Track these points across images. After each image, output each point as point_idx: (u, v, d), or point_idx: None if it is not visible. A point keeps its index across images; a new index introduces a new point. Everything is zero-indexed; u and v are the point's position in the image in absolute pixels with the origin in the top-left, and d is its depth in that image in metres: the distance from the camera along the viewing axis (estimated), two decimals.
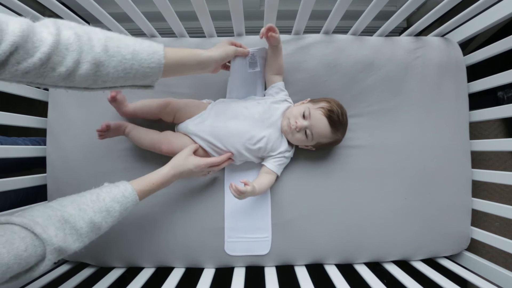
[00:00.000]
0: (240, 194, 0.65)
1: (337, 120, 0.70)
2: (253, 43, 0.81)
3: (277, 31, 0.69)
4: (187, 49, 0.60)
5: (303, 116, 0.70)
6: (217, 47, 0.66)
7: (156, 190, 0.64)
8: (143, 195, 0.61)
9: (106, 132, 0.74)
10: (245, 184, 0.65)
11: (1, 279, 0.40)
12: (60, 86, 0.47)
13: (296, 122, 0.70)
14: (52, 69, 0.43)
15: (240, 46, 0.71)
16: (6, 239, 0.40)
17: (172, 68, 0.56)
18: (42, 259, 0.45)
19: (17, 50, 0.39)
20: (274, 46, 0.72)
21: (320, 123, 0.70)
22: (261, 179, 0.73)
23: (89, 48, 0.45)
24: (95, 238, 0.54)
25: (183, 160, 0.68)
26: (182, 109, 0.75)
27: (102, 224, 0.52)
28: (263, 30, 0.68)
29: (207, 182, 0.81)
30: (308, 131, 0.70)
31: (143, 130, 0.76)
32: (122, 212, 0.56)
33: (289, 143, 0.76)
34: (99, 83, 0.49)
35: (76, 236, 0.49)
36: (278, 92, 0.77)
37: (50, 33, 0.42)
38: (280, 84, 0.77)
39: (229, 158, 0.74)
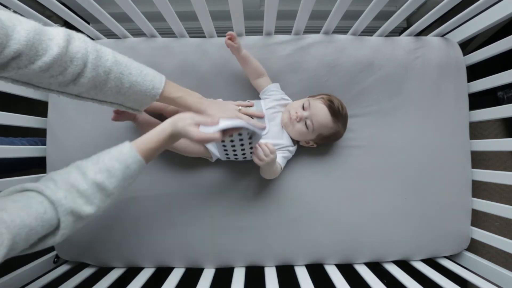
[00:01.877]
0: (269, 155, 0.63)
1: (337, 110, 0.70)
2: (253, 43, 0.81)
3: (236, 40, 0.69)
4: (184, 91, 0.64)
5: (303, 108, 0.71)
6: (214, 104, 0.68)
7: (158, 147, 0.58)
8: (146, 152, 0.57)
9: (120, 115, 0.71)
10: (268, 146, 0.64)
11: (26, 240, 0.41)
12: (52, 90, 0.49)
13: (296, 113, 0.70)
14: (50, 76, 0.44)
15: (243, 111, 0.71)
16: (23, 203, 0.42)
17: (164, 101, 0.62)
18: (59, 222, 0.46)
19: (20, 56, 0.40)
20: (237, 54, 0.72)
21: (321, 111, 0.70)
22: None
23: (93, 67, 0.48)
24: (110, 203, 0.53)
25: (184, 122, 0.59)
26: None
27: (106, 185, 0.51)
28: (225, 39, 0.69)
29: (207, 182, 0.81)
30: (308, 121, 0.69)
31: (153, 121, 0.75)
32: (126, 171, 0.53)
33: (291, 140, 0.76)
34: (92, 94, 0.52)
35: (84, 199, 0.48)
36: (272, 95, 0.77)
37: (57, 44, 0.43)
38: (272, 86, 0.77)
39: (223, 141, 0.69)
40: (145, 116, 0.74)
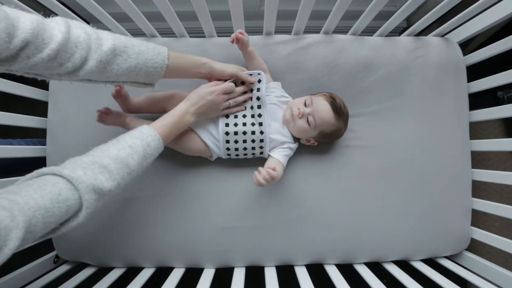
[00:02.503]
0: (269, 180, 0.63)
1: (340, 107, 0.70)
2: (253, 43, 0.80)
3: (246, 34, 0.69)
4: (190, 55, 0.65)
5: (305, 105, 0.71)
6: (221, 63, 0.69)
7: (176, 127, 0.63)
8: (164, 131, 0.60)
9: (105, 115, 0.73)
10: (273, 169, 0.64)
11: (45, 223, 0.41)
12: (64, 79, 0.50)
13: (298, 109, 0.69)
14: (59, 64, 0.46)
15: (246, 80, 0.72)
16: (37, 186, 0.42)
17: (173, 70, 0.61)
18: (81, 203, 0.46)
19: (28, 45, 0.41)
20: (245, 50, 0.72)
21: (323, 108, 0.70)
22: (276, 167, 0.70)
23: (97, 47, 0.49)
24: (129, 180, 0.54)
25: (196, 90, 0.67)
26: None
27: (129, 160, 0.52)
28: (233, 35, 0.69)
29: (207, 182, 0.81)
30: (310, 118, 0.69)
31: (144, 122, 0.74)
32: (146, 148, 0.56)
33: (292, 136, 0.76)
34: (103, 77, 0.53)
35: (107, 173, 0.49)
36: (273, 92, 0.77)
37: (60, 30, 0.45)
38: (273, 83, 0.77)
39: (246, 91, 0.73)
40: (135, 123, 0.73)
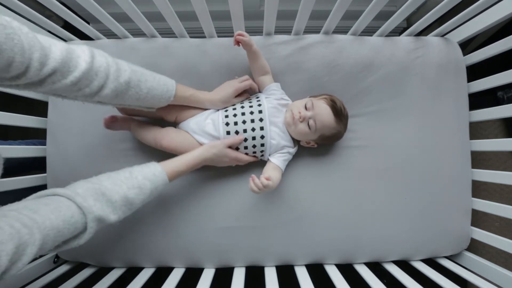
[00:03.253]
0: (262, 189, 0.64)
1: (340, 110, 0.70)
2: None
3: (245, 34, 0.69)
4: (193, 90, 0.72)
5: (306, 108, 0.70)
6: (220, 90, 0.75)
7: (186, 170, 0.67)
8: (173, 175, 0.64)
9: (111, 122, 0.75)
10: (267, 179, 0.64)
11: (53, 241, 0.45)
12: (79, 100, 0.55)
13: (299, 113, 0.69)
14: (78, 89, 0.50)
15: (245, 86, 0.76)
16: (54, 207, 0.46)
17: (178, 101, 0.69)
18: (85, 228, 0.50)
19: (55, 73, 0.45)
20: (249, 49, 0.72)
21: (324, 112, 0.69)
22: (274, 174, 0.71)
23: (115, 78, 0.53)
24: (128, 214, 0.58)
25: (216, 149, 0.70)
26: (185, 107, 0.74)
27: (134, 200, 0.57)
28: (234, 38, 0.70)
29: (207, 182, 0.81)
30: (311, 122, 0.69)
31: (147, 126, 0.76)
32: (153, 191, 0.60)
33: (292, 139, 0.76)
34: (113, 102, 0.58)
35: (112, 208, 0.53)
36: (273, 94, 0.77)
37: (85, 60, 0.49)
38: (274, 85, 0.77)
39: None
40: (140, 128, 0.76)
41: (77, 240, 0.50)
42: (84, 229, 0.50)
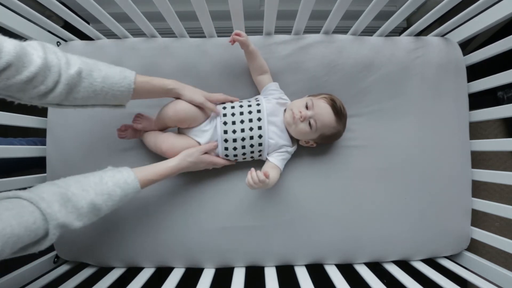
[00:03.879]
0: (258, 183, 0.63)
1: (340, 109, 0.70)
2: (253, 43, 0.80)
3: (243, 34, 0.70)
4: (158, 79, 0.66)
5: (306, 107, 0.70)
6: (190, 90, 0.70)
7: (160, 180, 0.66)
8: (146, 183, 0.63)
9: (124, 132, 0.76)
10: (265, 174, 0.64)
11: (11, 249, 0.42)
12: (34, 102, 0.53)
13: (300, 112, 0.69)
14: (34, 86, 0.48)
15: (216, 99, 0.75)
16: (16, 212, 0.44)
17: (140, 93, 0.63)
18: (47, 233, 0.48)
19: (10, 67, 0.44)
20: (246, 49, 0.73)
21: (324, 111, 0.69)
22: (271, 173, 0.70)
23: (65, 71, 0.51)
24: (95, 220, 0.56)
25: (192, 157, 0.69)
26: (196, 120, 0.73)
27: (102, 207, 0.55)
28: (231, 37, 0.70)
29: (207, 183, 0.81)
30: (312, 121, 0.69)
31: (153, 132, 0.77)
32: (123, 198, 0.58)
33: (291, 138, 0.76)
34: (71, 101, 0.55)
35: (77, 214, 0.51)
36: (272, 93, 0.77)
37: (38, 56, 0.47)
38: (272, 85, 0.77)
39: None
40: (147, 135, 0.76)
41: (36, 246, 0.48)
42: (46, 235, 0.48)
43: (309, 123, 0.69)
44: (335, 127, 0.71)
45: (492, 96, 1.13)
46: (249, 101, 0.75)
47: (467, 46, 1.04)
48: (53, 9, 0.71)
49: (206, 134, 0.73)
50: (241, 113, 0.72)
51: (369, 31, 0.84)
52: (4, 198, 0.47)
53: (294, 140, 0.77)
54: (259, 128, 0.71)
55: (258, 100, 0.75)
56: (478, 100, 0.88)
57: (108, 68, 0.58)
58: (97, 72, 0.55)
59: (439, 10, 0.72)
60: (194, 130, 0.73)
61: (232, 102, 0.76)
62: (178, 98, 0.70)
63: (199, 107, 0.70)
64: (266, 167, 0.74)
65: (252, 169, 0.65)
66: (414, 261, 0.85)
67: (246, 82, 0.81)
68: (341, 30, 0.84)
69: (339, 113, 0.70)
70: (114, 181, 0.57)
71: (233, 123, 0.71)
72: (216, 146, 0.73)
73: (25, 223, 0.44)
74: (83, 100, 0.56)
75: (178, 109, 0.70)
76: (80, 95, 0.54)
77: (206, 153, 0.72)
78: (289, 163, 0.79)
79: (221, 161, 0.75)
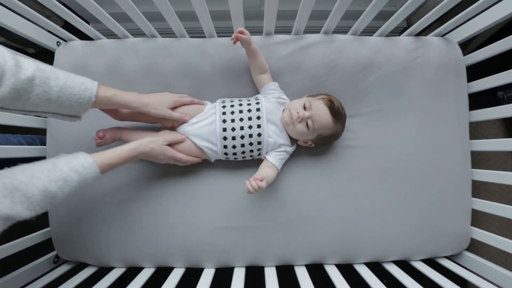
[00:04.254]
0: (258, 190, 0.64)
1: (338, 110, 0.70)
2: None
3: (246, 32, 0.70)
4: (118, 90, 0.64)
5: (304, 108, 0.70)
6: (156, 94, 0.70)
7: (121, 163, 0.63)
8: (106, 168, 0.60)
9: (102, 139, 0.73)
10: (260, 180, 0.64)
11: None
12: None
13: (298, 113, 0.69)
14: None
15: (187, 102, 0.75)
16: None
17: (101, 105, 0.62)
18: None
19: None
20: (248, 47, 0.73)
21: (322, 112, 0.70)
22: (267, 172, 0.71)
23: (13, 74, 0.47)
24: (49, 208, 0.53)
25: (155, 144, 0.68)
26: (182, 110, 0.74)
27: (57, 193, 0.51)
28: (233, 35, 0.70)
29: (207, 183, 0.81)
30: (309, 122, 0.69)
31: (141, 132, 0.75)
32: (81, 183, 0.55)
33: (290, 138, 0.76)
34: (18, 106, 0.51)
35: (27, 204, 0.47)
36: (271, 93, 0.77)
37: None
38: (272, 84, 0.77)
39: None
40: (131, 136, 0.74)
41: None
42: None
43: (307, 124, 0.70)
44: (333, 128, 0.72)
45: (492, 96, 1.13)
46: (248, 100, 0.75)
47: (467, 46, 1.04)
48: (53, 9, 0.71)
49: (202, 130, 0.72)
50: (241, 112, 0.72)
51: (369, 31, 0.84)
52: None
53: (293, 140, 0.77)
54: (258, 126, 0.71)
55: (257, 99, 0.75)
56: (478, 100, 0.88)
57: (67, 77, 0.54)
58: (54, 80, 0.52)
59: (439, 10, 0.72)
60: (190, 130, 0.73)
61: (201, 104, 0.78)
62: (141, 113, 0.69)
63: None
64: (263, 165, 0.74)
65: (247, 181, 0.64)
66: (414, 261, 0.85)
67: (246, 82, 0.81)
68: (341, 30, 0.84)
69: (337, 114, 0.70)
70: (70, 166, 0.53)
71: (232, 121, 0.71)
72: (184, 140, 0.72)
73: None
74: (33, 106, 0.52)
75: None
76: (31, 102, 0.51)
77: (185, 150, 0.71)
78: (289, 163, 0.79)
79: (184, 158, 0.72)
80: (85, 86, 0.56)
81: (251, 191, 0.64)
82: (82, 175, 0.54)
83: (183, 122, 0.74)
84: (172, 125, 0.76)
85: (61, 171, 0.52)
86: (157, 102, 0.69)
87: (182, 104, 0.74)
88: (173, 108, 0.72)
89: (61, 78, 0.53)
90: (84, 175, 0.55)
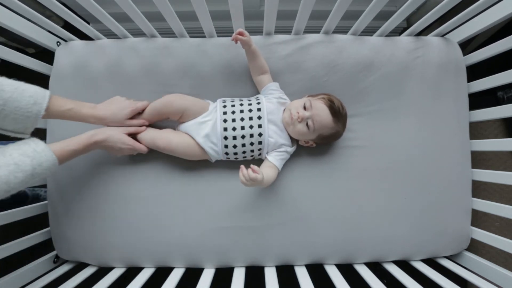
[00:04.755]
0: (249, 181, 0.63)
1: (338, 110, 0.70)
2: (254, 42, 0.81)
3: (246, 33, 0.70)
4: (74, 103, 0.64)
5: (304, 108, 0.70)
6: (111, 106, 0.70)
7: (80, 150, 0.63)
8: (64, 154, 0.59)
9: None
10: (255, 171, 0.63)
11: None
12: None
13: (298, 113, 0.69)
14: None
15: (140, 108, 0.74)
16: None
17: (56, 118, 0.61)
18: None
19: None
20: (248, 48, 0.73)
21: (322, 112, 0.70)
22: (267, 171, 0.71)
23: None
24: (5, 196, 0.51)
25: (115, 131, 0.68)
26: (190, 108, 0.74)
27: (10, 179, 0.49)
28: (233, 35, 0.70)
29: (207, 183, 0.81)
30: (310, 122, 0.69)
31: (148, 130, 0.76)
32: (36, 168, 0.52)
33: (290, 138, 0.76)
34: None
35: None
36: (272, 93, 0.77)
37: None
38: (272, 84, 0.77)
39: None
40: (147, 132, 0.75)
41: None
42: None
43: (307, 124, 0.70)
44: (333, 128, 0.72)
45: (492, 96, 1.13)
46: (249, 100, 0.75)
47: (467, 46, 1.04)
48: (53, 9, 0.71)
49: (204, 129, 0.72)
50: (241, 111, 0.72)
51: (369, 31, 0.84)
52: None
53: (293, 140, 0.77)
54: (259, 126, 0.71)
55: (258, 99, 0.75)
56: (478, 100, 0.88)
57: (14, 89, 0.51)
58: None
59: (439, 10, 0.72)
60: (193, 129, 0.73)
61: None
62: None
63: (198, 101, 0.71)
64: (264, 165, 0.74)
65: (242, 166, 0.64)
66: (414, 261, 0.85)
67: (246, 82, 0.81)
68: (341, 30, 0.84)
69: (337, 113, 0.70)
70: (20, 152, 0.51)
71: (233, 120, 0.71)
72: (143, 131, 0.74)
73: None
74: None
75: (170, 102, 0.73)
76: None
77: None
78: (289, 163, 0.79)
79: (142, 148, 0.73)
80: (33, 99, 0.53)
81: (242, 180, 0.63)
82: (35, 159, 0.52)
83: (192, 118, 0.75)
84: (179, 119, 0.76)
85: (10, 156, 0.50)
86: (112, 114, 0.70)
87: (138, 112, 0.74)
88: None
89: (7, 91, 0.50)
90: (38, 158, 0.53)
